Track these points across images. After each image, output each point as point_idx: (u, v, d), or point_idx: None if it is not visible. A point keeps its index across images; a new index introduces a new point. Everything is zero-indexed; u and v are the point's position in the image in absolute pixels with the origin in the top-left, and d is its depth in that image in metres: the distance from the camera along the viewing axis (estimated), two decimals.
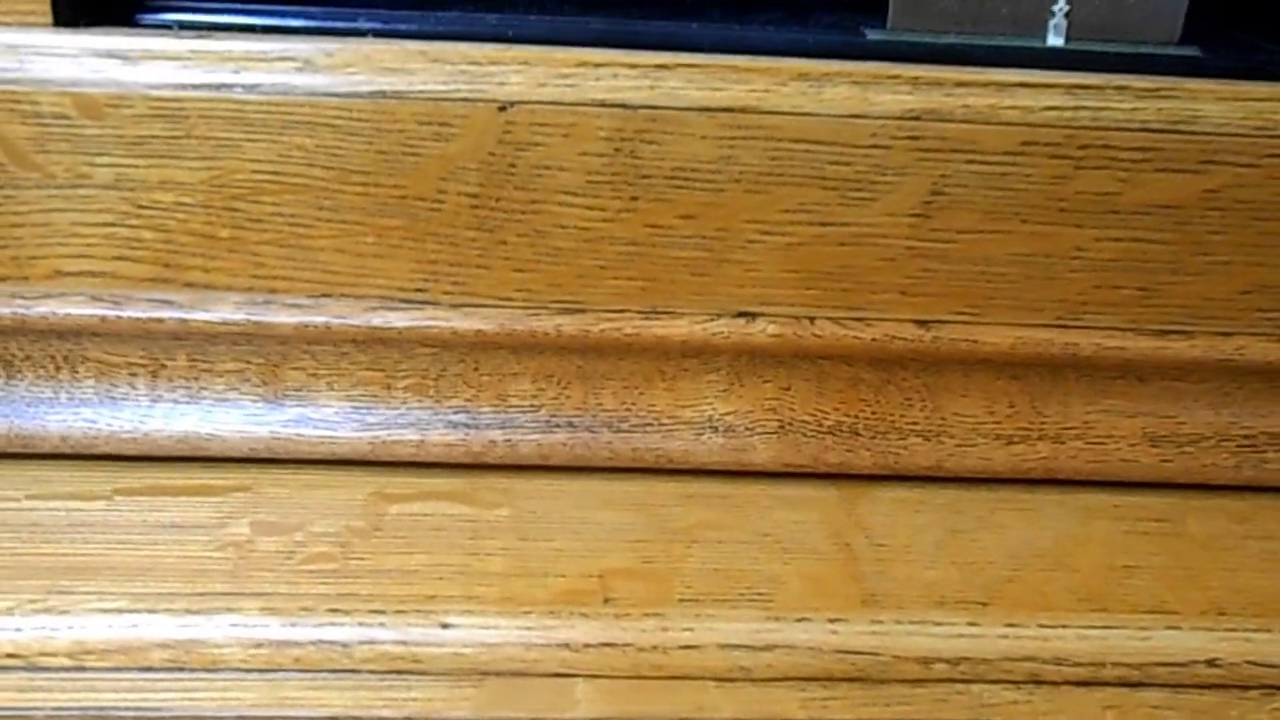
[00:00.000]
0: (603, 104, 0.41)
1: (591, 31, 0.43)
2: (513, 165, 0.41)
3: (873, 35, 0.45)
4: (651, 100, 0.41)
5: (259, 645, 0.39)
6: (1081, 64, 0.44)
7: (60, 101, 0.40)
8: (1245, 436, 0.48)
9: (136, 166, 0.41)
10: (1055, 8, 0.45)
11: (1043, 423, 0.47)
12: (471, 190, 0.42)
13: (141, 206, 0.41)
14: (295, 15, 0.43)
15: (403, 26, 0.43)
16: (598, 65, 0.41)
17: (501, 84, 0.41)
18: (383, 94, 0.40)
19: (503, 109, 0.41)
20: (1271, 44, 0.48)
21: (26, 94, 0.40)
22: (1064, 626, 0.41)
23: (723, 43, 0.44)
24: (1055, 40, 0.45)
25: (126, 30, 0.41)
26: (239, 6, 0.43)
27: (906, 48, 0.44)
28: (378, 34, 0.43)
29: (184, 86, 0.40)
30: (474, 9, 0.45)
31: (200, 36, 0.41)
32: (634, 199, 0.42)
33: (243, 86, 0.40)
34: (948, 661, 0.40)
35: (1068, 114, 0.42)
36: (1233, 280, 0.44)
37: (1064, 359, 0.46)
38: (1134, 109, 0.42)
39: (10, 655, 0.38)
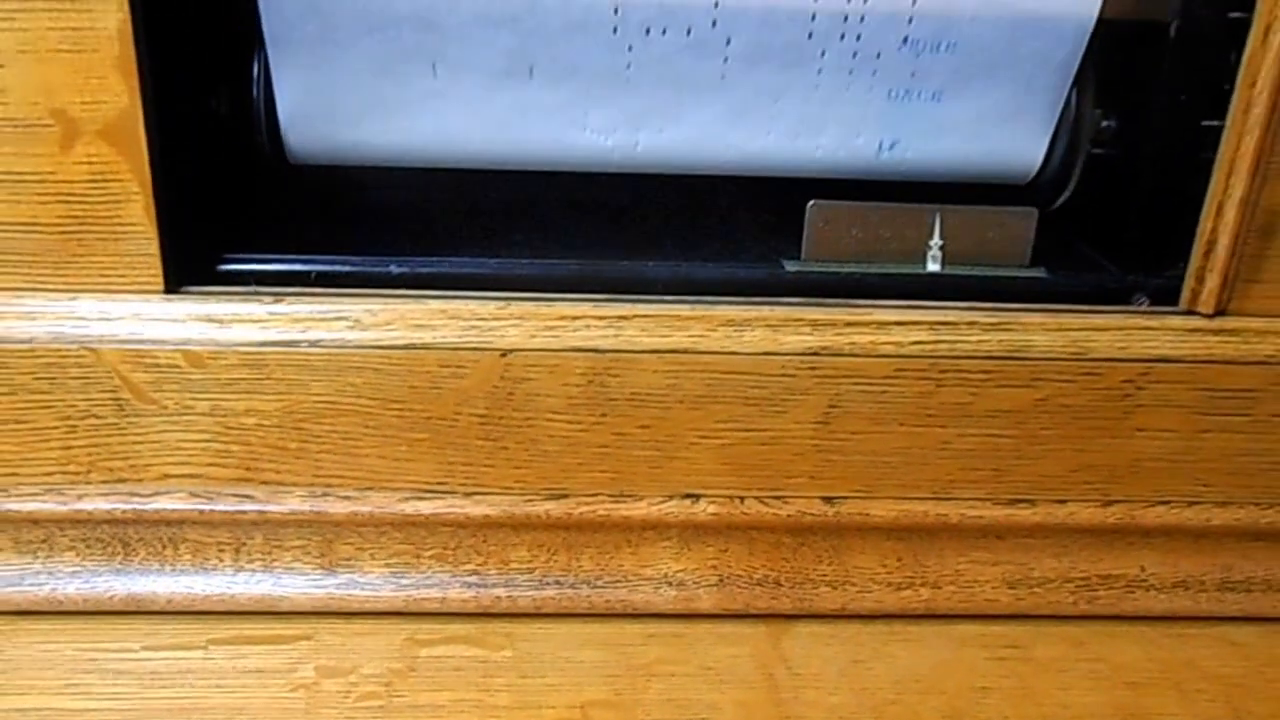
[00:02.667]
0: (579, 349, 0.47)
1: (569, 272, 0.49)
2: (511, 394, 0.47)
3: (790, 267, 0.51)
4: (616, 345, 0.47)
5: None
6: (952, 286, 0.50)
7: (173, 357, 0.46)
8: (1081, 578, 0.53)
9: (228, 399, 0.47)
10: (932, 241, 0.51)
11: (924, 572, 0.52)
12: (480, 412, 0.48)
13: (230, 428, 0.47)
14: (340, 262, 0.49)
15: (423, 270, 0.49)
16: (575, 318, 0.47)
17: (502, 336, 0.47)
18: (413, 345, 0.46)
19: (503, 355, 0.47)
20: (1105, 259, 0.53)
21: (149, 351, 0.46)
22: None
23: (672, 279, 0.50)
24: (933, 267, 0.51)
25: (218, 292, 0.47)
26: (296, 256, 0.49)
27: (817, 277, 0.50)
28: (404, 277, 0.48)
29: (264, 344, 0.46)
30: (478, 253, 0.50)
31: (276, 300, 0.47)
32: (604, 415, 0.48)
33: (308, 342, 0.46)
34: None
35: (929, 346, 0.48)
36: (1063, 462, 0.50)
37: (938, 525, 0.51)
38: (980, 340, 0.48)
39: None
